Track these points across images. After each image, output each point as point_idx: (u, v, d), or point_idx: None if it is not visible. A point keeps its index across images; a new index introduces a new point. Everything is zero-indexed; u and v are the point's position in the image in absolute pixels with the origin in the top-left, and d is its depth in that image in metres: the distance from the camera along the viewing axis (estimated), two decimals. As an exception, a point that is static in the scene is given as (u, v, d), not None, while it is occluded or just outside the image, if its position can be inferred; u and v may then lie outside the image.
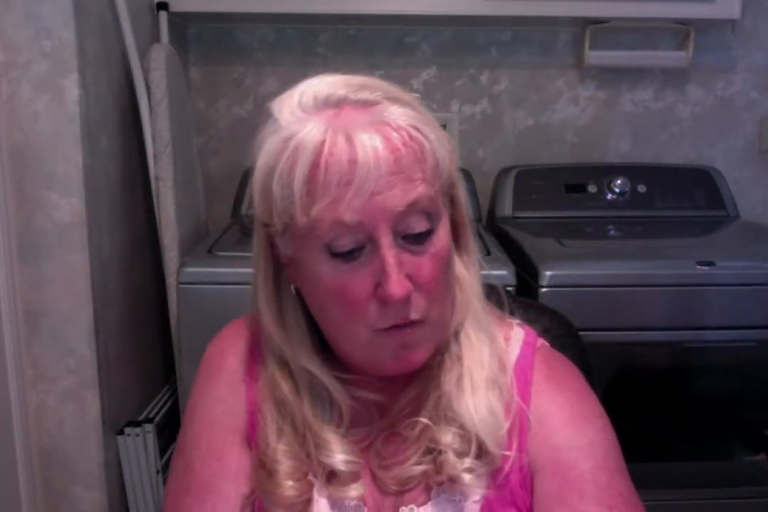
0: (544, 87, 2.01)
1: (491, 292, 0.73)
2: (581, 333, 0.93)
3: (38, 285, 1.32)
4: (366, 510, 0.66)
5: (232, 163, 2.01)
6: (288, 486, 0.64)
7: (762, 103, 2.03)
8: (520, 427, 0.66)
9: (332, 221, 0.58)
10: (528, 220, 1.80)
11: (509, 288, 1.29)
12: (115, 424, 1.46)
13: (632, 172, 1.90)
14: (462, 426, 0.64)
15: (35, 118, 1.28)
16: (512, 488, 0.65)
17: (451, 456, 0.63)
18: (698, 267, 1.39)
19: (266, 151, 0.63)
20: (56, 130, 1.28)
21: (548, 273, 1.31)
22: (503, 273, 1.30)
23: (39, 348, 1.34)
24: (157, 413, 1.61)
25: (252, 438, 0.69)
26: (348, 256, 0.60)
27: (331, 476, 0.66)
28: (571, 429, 0.66)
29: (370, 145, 0.57)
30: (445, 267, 0.63)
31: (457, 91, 2.01)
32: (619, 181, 1.86)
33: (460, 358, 0.67)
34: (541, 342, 0.73)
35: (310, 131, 0.59)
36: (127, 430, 1.47)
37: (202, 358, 0.75)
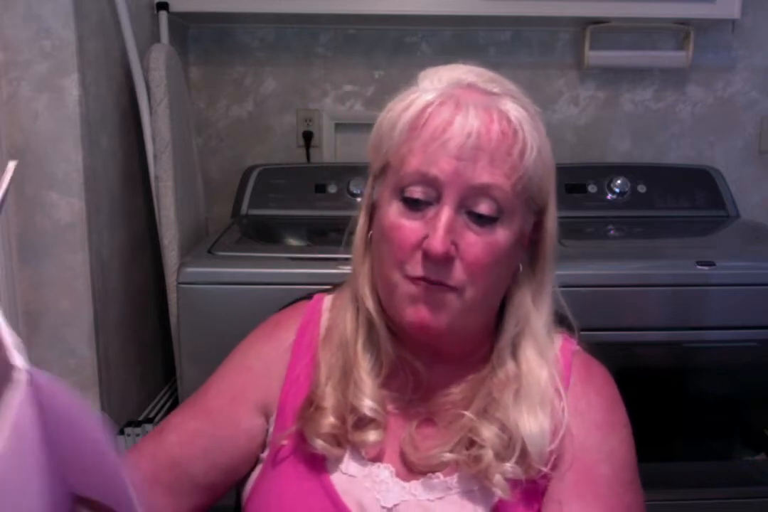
0: (544, 87, 2.01)
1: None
2: (581, 333, 0.93)
3: (38, 285, 1.32)
4: (390, 473, 0.69)
5: (232, 163, 2.01)
6: (328, 422, 0.69)
7: (762, 103, 2.03)
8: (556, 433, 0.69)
9: (414, 168, 0.65)
10: (528, 220, 1.80)
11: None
12: (115, 424, 1.46)
13: (632, 171, 1.89)
14: (506, 430, 0.67)
15: (35, 118, 1.27)
16: (533, 493, 0.68)
17: (489, 453, 0.66)
18: (698, 267, 1.39)
19: (393, 101, 0.70)
20: (56, 130, 1.28)
21: (548, 273, 1.31)
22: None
23: (39, 348, 1.34)
24: (157, 413, 1.61)
25: (283, 401, 0.73)
26: (414, 204, 0.66)
27: (357, 422, 0.70)
28: (600, 434, 0.69)
29: (472, 115, 0.64)
30: (493, 261, 0.66)
31: (457, 91, 2.00)
32: (619, 181, 1.86)
33: (518, 376, 0.70)
34: (577, 347, 0.77)
35: (431, 92, 0.67)
36: (127, 430, 1.46)
37: (260, 324, 0.81)
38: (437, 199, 0.65)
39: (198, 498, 0.74)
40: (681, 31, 1.93)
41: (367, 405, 0.69)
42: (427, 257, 0.64)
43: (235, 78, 1.99)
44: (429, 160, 0.64)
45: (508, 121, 0.65)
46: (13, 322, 1.30)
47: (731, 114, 2.03)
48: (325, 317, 0.78)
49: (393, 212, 0.67)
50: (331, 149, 2.02)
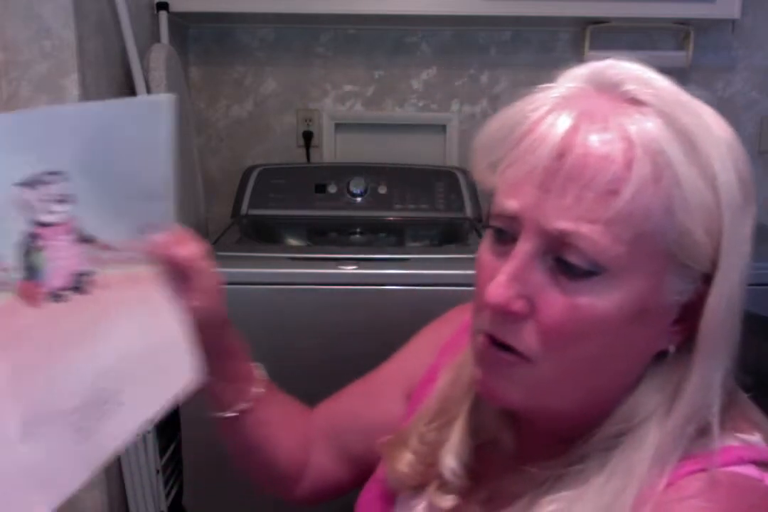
0: (544, 87, 2.01)
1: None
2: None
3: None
4: None
5: (232, 163, 2.01)
6: (407, 460, 0.63)
7: (762, 103, 2.03)
8: None
9: (499, 196, 0.52)
10: (528, 219, 1.80)
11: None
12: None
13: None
14: None
15: (35, 118, 1.27)
16: None
17: None
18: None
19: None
20: (56, 130, 1.28)
21: (548, 273, 1.31)
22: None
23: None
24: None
25: (415, 396, 0.71)
26: (499, 235, 0.52)
27: (439, 475, 0.61)
28: None
29: (570, 128, 0.48)
30: (580, 332, 0.49)
31: (457, 91, 2.01)
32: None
33: (586, 491, 0.51)
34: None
35: (550, 93, 0.53)
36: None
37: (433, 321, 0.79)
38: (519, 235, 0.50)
39: (357, 471, 0.74)
40: (681, 31, 1.93)
41: (449, 465, 0.59)
42: (482, 302, 0.51)
43: (235, 78, 1.99)
44: (513, 186, 0.50)
45: (629, 143, 0.47)
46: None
47: (731, 114, 2.02)
48: None
49: (484, 243, 0.54)
50: (331, 149, 2.02)
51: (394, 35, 1.98)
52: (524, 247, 0.49)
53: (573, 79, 0.53)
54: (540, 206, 0.48)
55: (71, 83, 1.27)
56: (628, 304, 0.48)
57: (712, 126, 0.51)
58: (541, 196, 0.48)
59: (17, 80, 1.27)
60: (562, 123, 0.49)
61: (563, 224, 0.47)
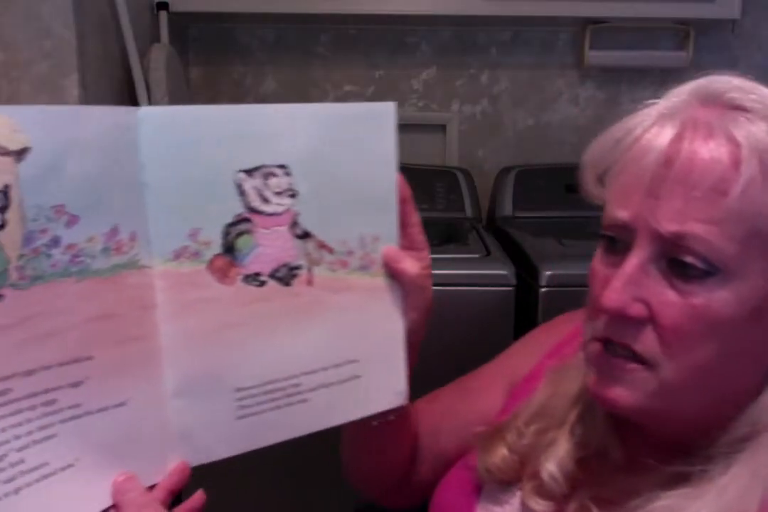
0: (544, 87, 2.01)
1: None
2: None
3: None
4: None
5: (232, 163, 2.01)
6: (501, 454, 0.62)
7: (762, 103, 2.03)
8: None
9: (610, 205, 0.53)
10: (528, 219, 1.80)
11: (509, 289, 1.29)
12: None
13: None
14: None
15: (35, 118, 1.27)
16: None
17: None
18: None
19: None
20: (56, 130, 1.28)
21: (548, 273, 1.31)
22: (503, 273, 1.30)
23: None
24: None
25: (515, 393, 0.71)
26: (611, 243, 0.54)
27: (533, 475, 0.60)
28: None
29: (675, 134, 0.50)
30: (701, 331, 0.49)
31: (457, 91, 2.01)
32: (619, 181, 1.86)
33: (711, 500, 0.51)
34: None
35: (658, 106, 0.55)
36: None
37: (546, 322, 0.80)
38: (633, 243, 0.51)
39: (440, 470, 0.73)
40: (681, 31, 1.92)
41: (550, 471, 0.58)
42: (598, 308, 0.52)
43: (235, 78, 1.99)
44: (622, 195, 0.52)
45: (736, 145, 0.48)
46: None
47: (731, 114, 2.03)
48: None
49: (598, 252, 0.55)
50: (331, 149, 2.02)
51: (394, 35, 1.98)
52: (639, 253, 0.50)
53: (676, 94, 0.55)
54: (651, 212, 0.49)
55: (71, 83, 1.27)
56: (745, 303, 0.49)
57: None
58: (651, 202, 0.49)
59: (17, 80, 1.27)
60: (668, 132, 0.50)
61: (676, 226, 0.48)
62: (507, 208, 1.83)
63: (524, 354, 0.75)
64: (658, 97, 0.58)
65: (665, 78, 1.97)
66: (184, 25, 1.94)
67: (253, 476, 1.28)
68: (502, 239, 1.60)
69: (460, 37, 1.98)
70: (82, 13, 1.30)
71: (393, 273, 0.61)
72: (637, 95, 1.99)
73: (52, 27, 1.26)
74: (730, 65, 2.00)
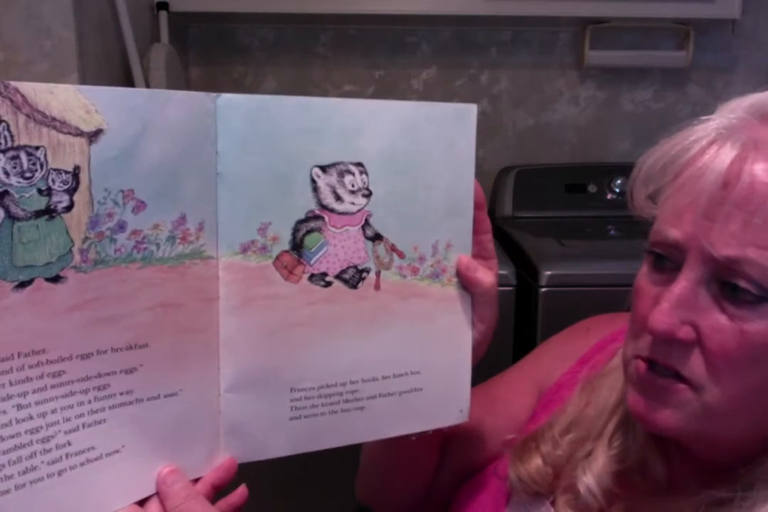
0: (544, 87, 2.01)
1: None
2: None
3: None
4: None
5: (232, 163, 2.01)
6: (535, 465, 0.61)
7: (762, 103, 2.03)
8: None
9: (659, 224, 0.52)
10: (528, 220, 1.80)
11: (509, 289, 1.29)
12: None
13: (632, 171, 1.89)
14: None
15: (35, 118, 1.27)
16: None
17: None
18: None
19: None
20: (56, 130, 1.28)
21: (548, 273, 1.31)
22: (503, 273, 1.30)
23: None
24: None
25: (546, 398, 0.70)
26: (658, 260, 0.53)
27: (569, 489, 0.59)
28: None
29: (735, 157, 0.48)
30: (750, 358, 0.48)
31: (457, 91, 2.01)
32: (619, 181, 1.86)
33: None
34: None
35: (711, 124, 0.53)
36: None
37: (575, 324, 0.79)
38: (683, 263, 0.50)
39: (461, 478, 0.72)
40: (681, 31, 1.92)
41: (588, 484, 0.57)
42: (645, 329, 0.51)
43: (235, 78, 1.99)
44: (675, 215, 0.50)
45: None
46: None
47: (731, 114, 2.03)
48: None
49: (643, 270, 0.54)
50: (331, 149, 2.02)
51: (394, 35, 1.98)
52: (689, 274, 0.49)
53: (732, 110, 0.54)
54: (705, 234, 0.48)
55: (71, 83, 1.27)
56: None
57: None
58: (706, 224, 0.48)
59: (17, 80, 1.26)
60: (727, 153, 0.49)
61: (730, 250, 0.47)
62: (507, 208, 1.83)
63: (554, 359, 0.74)
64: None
65: (665, 78, 1.98)
66: (184, 25, 1.93)
67: (253, 476, 1.28)
68: (502, 239, 1.60)
69: (460, 37, 1.98)
70: (82, 13, 1.30)
71: (467, 283, 0.59)
72: (637, 95, 1.99)
73: (52, 27, 1.26)
74: (730, 65, 2.00)
